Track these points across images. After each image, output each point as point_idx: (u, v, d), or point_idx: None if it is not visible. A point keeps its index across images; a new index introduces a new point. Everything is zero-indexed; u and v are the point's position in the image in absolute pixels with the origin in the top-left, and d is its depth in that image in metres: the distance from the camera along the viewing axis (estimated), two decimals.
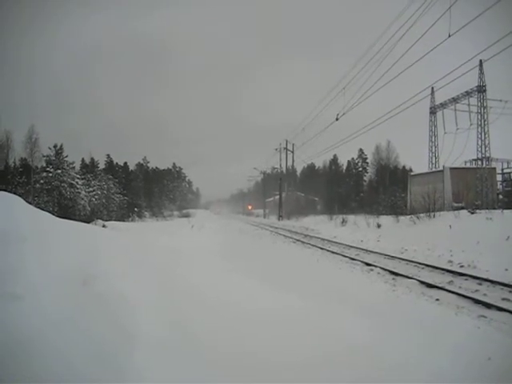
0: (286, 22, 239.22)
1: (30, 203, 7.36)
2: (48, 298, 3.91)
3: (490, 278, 10.02)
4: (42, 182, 37.50)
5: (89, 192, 41.19)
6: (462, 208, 25.96)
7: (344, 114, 26.94)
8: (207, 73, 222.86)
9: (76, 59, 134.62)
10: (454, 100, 41.41)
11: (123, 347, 3.51)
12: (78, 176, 40.96)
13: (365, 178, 77.69)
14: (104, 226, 25.18)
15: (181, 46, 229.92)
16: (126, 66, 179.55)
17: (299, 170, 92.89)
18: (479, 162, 38.73)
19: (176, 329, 4.09)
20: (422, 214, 24.92)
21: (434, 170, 42.35)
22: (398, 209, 38.24)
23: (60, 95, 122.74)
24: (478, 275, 10.53)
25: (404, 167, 68.03)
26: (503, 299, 8.28)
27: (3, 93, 62.54)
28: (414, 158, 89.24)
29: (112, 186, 48.15)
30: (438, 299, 8.51)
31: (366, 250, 17.20)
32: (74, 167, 45.68)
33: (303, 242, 22.29)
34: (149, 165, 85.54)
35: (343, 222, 33.35)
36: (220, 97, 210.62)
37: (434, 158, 45.17)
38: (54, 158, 42.35)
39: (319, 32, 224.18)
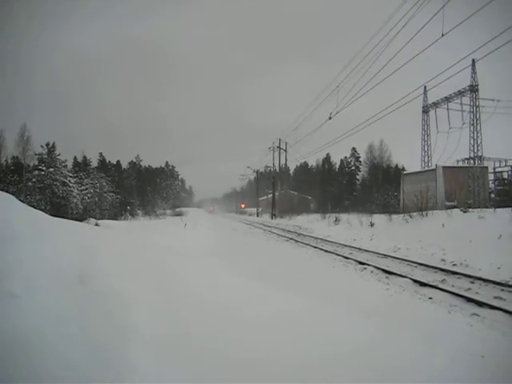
0: (284, 24, 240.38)
1: (22, 201, 7.32)
2: (45, 296, 3.90)
3: (483, 277, 10.08)
4: (34, 180, 37.29)
5: (81, 190, 41.04)
6: (455, 207, 26.05)
7: (337, 112, 27.01)
8: (203, 74, 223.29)
9: (74, 59, 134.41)
10: (447, 99, 41.58)
11: (120, 346, 3.51)
12: (71, 174, 40.83)
13: (358, 177, 77.96)
14: (97, 225, 25.03)
15: (179, 49, 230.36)
16: (124, 66, 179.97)
17: (292, 168, 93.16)
18: (471, 161, 38.94)
19: (173, 328, 4.09)
20: (414, 213, 25.02)
21: (426, 168, 42.46)
22: (390, 207, 38.51)
23: (56, 94, 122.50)
24: (471, 274, 10.60)
25: (397, 166, 68.30)
26: (495, 297, 8.35)
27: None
28: (407, 157, 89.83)
29: (104, 184, 47.96)
30: (430, 298, 8.56)
31: (359, 249, 17.24)
32: (66, 165, 45.51)
33: (296, 241, 22.29)
34: (141, 163, 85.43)
35: (336, 220, 33.40)
36: (215, 97, 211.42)
37: (426, 157, 45.36)
38: (46, 157, 42.09)
39: (316, 34, 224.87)
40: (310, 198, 78.31)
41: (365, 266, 12.57)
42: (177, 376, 3.38)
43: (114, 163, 79.68)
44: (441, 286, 9.59)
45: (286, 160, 62.74)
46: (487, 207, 26.95)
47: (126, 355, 3.41)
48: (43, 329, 3.44)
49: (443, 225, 19.32)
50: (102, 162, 77.83)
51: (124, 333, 3.70)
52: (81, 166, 63.98)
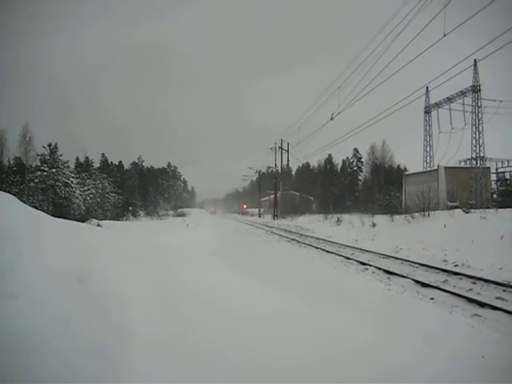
0: (284, 25, 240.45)
1: (24, 202, 7.33)
2: (45, 296, 3.91)
3: (484, 277, 10.06)
4: (36, 180, 37.34)
5: (83, 191, 41.10)
6: (457, 207, 26.03)
7: (339, 113, 27.07)
8: (205, 75, 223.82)
9: (76, 60, 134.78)
10: (449, 99, 41.57)
11: (119, 346, 3.50)
12: (73, 175, 40.88)
13: (360, 178, 77.94)
14: (99, 225, 25.09)
15: (180, 49, 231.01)
16: (125, 67, 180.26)
17: (294, 169, 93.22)
18: (474, 162, 38.91)
19: (172, 328, 4.09)
20: (416, 214, 25.00)
21: (428, 169, 42.48)
22: (392, 208, 38.52)
23: (58, 95, 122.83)
24: (473, 274, 10.57)
25: (399, 166, 68.27)
26: (497, 298, 8.33)
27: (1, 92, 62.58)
28: (409, 158, 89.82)
29: (107, 184, 48.08)
30: (432, 298, 8.55)
31: (361, 250, 17.22)
32: (68, 166, 45.57)
33: (298, 241, 22.29)
34: (144, 164, 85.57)
35: (338, 221, 33.41)
36: (217, 98, 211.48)
37: (428, 158, 45.37)
38: (48, 157, 42.11)
39: (317, 35, 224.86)
40: (311, 198, 78.33)
41: (366, 267, 12.57)
42: (176, 376, 3.38)
43: (116, 164, 79.96)
44: (442, 286, 9.57)
45: (288, 160, 62.82)
46: (489, 208, 26.88)
47: (125, 355, 3.41)
48: (43, 328, 3.45)
49: (445, 225, 19.30)
50: (104, 162, 78.02)
51: (123, 333, 3.70)
52: (83, 166, 64.11)
